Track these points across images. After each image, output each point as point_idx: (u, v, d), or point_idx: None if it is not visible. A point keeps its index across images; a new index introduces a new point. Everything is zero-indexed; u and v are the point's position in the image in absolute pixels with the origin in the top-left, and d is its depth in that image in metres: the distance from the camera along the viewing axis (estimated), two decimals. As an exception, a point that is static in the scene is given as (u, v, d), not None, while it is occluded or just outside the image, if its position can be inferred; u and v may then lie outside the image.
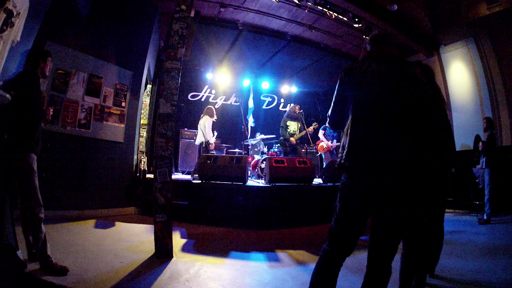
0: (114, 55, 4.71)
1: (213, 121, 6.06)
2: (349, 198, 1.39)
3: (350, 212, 1.38)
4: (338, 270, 1.38)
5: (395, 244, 1.39)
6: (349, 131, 1.44)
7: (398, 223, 1.39)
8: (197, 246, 3.16)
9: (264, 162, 5.48)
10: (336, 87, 1.56)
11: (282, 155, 6.41)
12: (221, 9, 5.67)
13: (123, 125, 4.78)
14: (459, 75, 6.46)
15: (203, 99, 8.78)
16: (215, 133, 6.23)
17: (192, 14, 3.54)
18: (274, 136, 7.07)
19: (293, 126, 6.32)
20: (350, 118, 1.47)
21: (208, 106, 6.36)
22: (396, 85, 1.39)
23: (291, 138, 6.13)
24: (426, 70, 2.05)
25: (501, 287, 2.17)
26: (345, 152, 1.43)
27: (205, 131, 5.77)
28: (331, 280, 1.36)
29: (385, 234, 1.38)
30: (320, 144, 6.72)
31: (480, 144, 4.76)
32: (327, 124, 1.71)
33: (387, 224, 1.38)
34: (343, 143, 1.49)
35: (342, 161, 1.43)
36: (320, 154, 7.08)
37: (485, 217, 4.46)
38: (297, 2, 5.27)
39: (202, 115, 6.11)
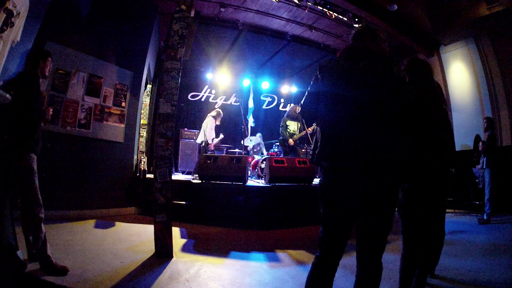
0: (114, 55, 4.71)
1: (217, 124, 6.14)
2: (334, 201, 1.35)
3: (337, 214, 1.36)
4: (334, 275, 1.36)
5: (384, 240, 1.39)
6: (323, 139, 1.39)
7: (389, 221, 1.39)
8: (197, 246, 3.16)
9: (264, 162, 5.48)
10: (312, 84, 1.46)
11: (282, 155, 6.41)
12: (221, 9, 5.67)
13: (123, 125, 4.78)
14: (459, 75, 6.46)
15: (203, 99, 8.78)
16: (221, 136, 6.30)
17: (192, 14, 3.53)
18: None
19: (293, 126, 6.32)
20: (321, 124, 1.41)
21: (219, 110, 6.47)
22: (396, 85, 1.39)
23: (290, 140, 6.13)
24: (419, 66, 2.00)
25: (501, 287, 2.17)
26: (320, 154, 1.37)
27: (206, 131, 5.84)
28: (328, 286, 1.35)
29: (375, 232, 1.38)
30: None
31: (480, 144, 4.76)
32: (300, 115, 1.57)
33: (387, 224, 1.38)
34: (316, 139, 1.43)
35: (318, 156, 1.38)
36: None
37: (485, 217, 4.46)
38: (297, 2, 5.27)
39: (208, 115, 6.20)
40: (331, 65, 1.44)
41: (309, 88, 1.48)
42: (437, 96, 1.99)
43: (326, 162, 1.37)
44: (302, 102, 1.51)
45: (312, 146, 1.50)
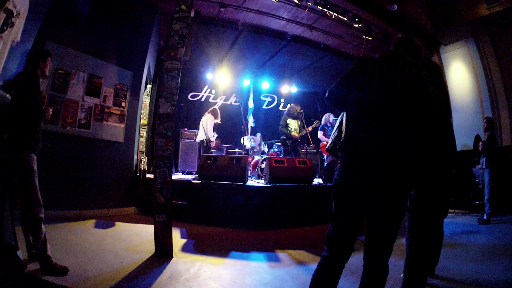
0: (114, 55, 4.71)
1: (216, 123, 6.11)
2: (348, 198, 1.38)
3: (349, 212, 1.37)
4: (339, 276, 1.36)
5: (392, 243, 1.39)
6: (349, 130, 1.42)
7: (398, 223, 1.39)
8: (197, 246, 3.16)
9: (264, 162, 5.48)
10: (346, 74, 1.49)
11: (282, 155, 6.41)
12: (221, 9, 5.67)
13: (123, 125, 4.77)
14: (459, 75, 6.45)
15: (203, 99, 8.78)
16: (215, 135, 6.28)
17: (192, 14, 3.53)
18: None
19: (293, 124, 6.33)
20: (350, 117, 1.45)
21: (214, 107, 6.42)
22: (397, 86, 1.39)
23: (293, 133, 6.13)
24: (433, 68, 2.02)
25: (501, 287, 2.17)
26: (344, 145, 1.42)
27: (206, 129, 5.82)
28: (333, 286, 1.35)
29: (385, 234, 1.38)
30: (324, 145, 6.71)
31: (480, 144, 4.76)
32: (325, 99, 1.59)
33: (388, 224, 1.38)
34: (338, 134, 1.48)
35: (337, 147, 1.43)
36: (325, 155, 7.06)
37: (485, 217, 4.46)
38: (297, 2, 5.27)
39: (206, 113, 6.16)
40: (370, 63, 1.47)
41: (342, 77, 1.50)
42: (440, 96, 1.99)
43: (344, 154, 1.41)
44: (331, 88, 1.53)
45: (335, 135, 1.55)
